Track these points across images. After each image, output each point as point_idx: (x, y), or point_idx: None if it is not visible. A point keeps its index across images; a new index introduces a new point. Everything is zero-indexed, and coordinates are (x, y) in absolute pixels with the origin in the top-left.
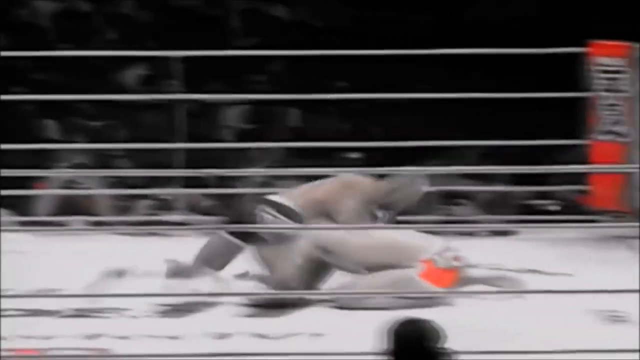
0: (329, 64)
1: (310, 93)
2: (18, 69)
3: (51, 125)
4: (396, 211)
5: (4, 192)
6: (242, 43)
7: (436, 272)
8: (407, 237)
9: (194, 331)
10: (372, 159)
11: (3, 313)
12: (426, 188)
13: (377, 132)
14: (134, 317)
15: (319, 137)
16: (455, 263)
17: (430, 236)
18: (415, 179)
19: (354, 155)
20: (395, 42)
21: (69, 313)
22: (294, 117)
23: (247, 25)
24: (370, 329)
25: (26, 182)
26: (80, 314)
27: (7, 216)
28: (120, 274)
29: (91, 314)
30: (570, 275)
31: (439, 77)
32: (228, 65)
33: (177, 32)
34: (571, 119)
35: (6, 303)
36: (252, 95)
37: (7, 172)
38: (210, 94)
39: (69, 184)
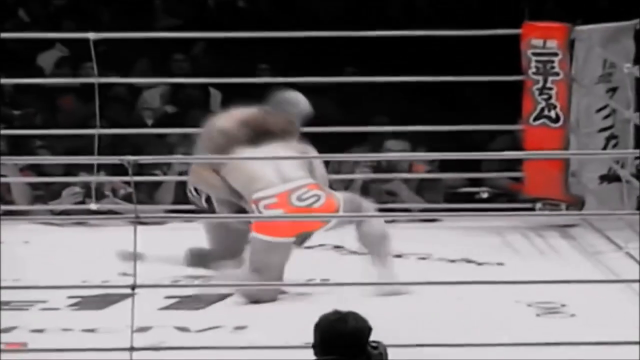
0: (252, 46)
1: (232, 76)
2: None
3: None
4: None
5: None
6: (165, 24)
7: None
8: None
9: (112, 324)
10: None
11: None
12: (309, 109)
13: None
14: (50, 309)
15: None
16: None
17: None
18: (295, 101)
19: None
20: (321, 24)
21: None
22: (215, 101)
23: (169, 6)
24: (293, 322)
25: None
26: None
27: None
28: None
29: (5, 307)
30: (502, 264)
31: (366, 61)
32: (150, 46)
33: (98, 13)
34: (505, 103)
35: None
36: (172, 79)
37: None
38: (132, 77)
39: None
